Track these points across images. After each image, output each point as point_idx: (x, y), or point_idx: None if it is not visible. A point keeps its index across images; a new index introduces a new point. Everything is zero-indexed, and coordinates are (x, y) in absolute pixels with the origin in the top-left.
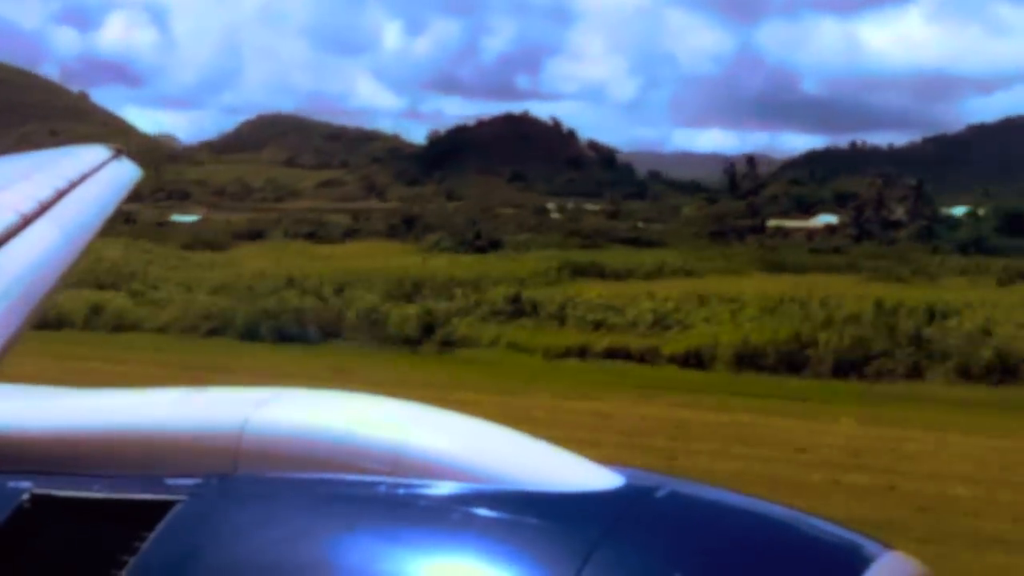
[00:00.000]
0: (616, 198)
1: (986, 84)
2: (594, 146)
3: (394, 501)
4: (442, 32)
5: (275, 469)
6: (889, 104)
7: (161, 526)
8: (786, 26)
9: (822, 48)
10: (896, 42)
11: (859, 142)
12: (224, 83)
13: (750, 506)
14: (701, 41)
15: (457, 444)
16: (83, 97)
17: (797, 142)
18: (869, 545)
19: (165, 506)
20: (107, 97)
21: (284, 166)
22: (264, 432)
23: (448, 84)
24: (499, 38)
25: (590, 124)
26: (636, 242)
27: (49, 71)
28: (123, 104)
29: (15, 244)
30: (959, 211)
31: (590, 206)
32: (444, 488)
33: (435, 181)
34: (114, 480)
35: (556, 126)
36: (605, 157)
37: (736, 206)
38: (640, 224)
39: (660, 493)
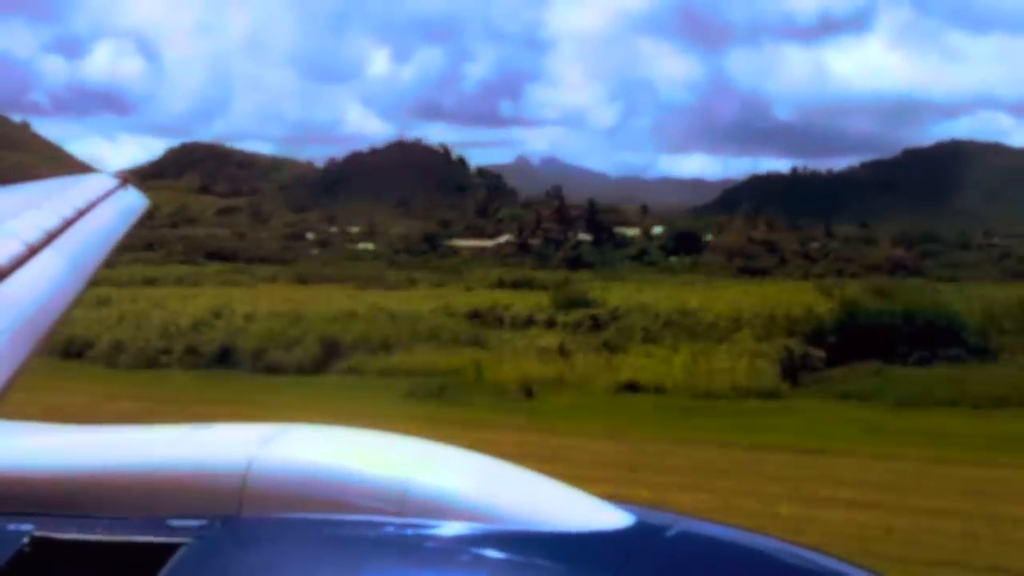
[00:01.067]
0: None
1: (951, 109)
2: (482, 172)
3: (402, 543)
4: (426, 60)
5: (281, 510)
6: (859, 128)
7: (165, 571)
8: (753, 53)
9: (791, 75)
10: (861, 68)
11: (800, 168)
12: (215, 111)
13: (754, 543)
14: (673, 68)
15: (465, 483)
16: (24, 127)
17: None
18: None
19: (169, 549)
20: (98, 126)
21: (199, 193)
22: (269, 472)
23: (433, 111)
24: (481, 65)
25: (576, 150)
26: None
27: (39, 99)
28: (115, 132)
29: (21, 274)
30: (631, 232)
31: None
32: (452, 529)
33: (320, 207)
34: (117, 522)
35: (446, 153)
36: (491, 183)
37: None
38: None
39: (669, 532)
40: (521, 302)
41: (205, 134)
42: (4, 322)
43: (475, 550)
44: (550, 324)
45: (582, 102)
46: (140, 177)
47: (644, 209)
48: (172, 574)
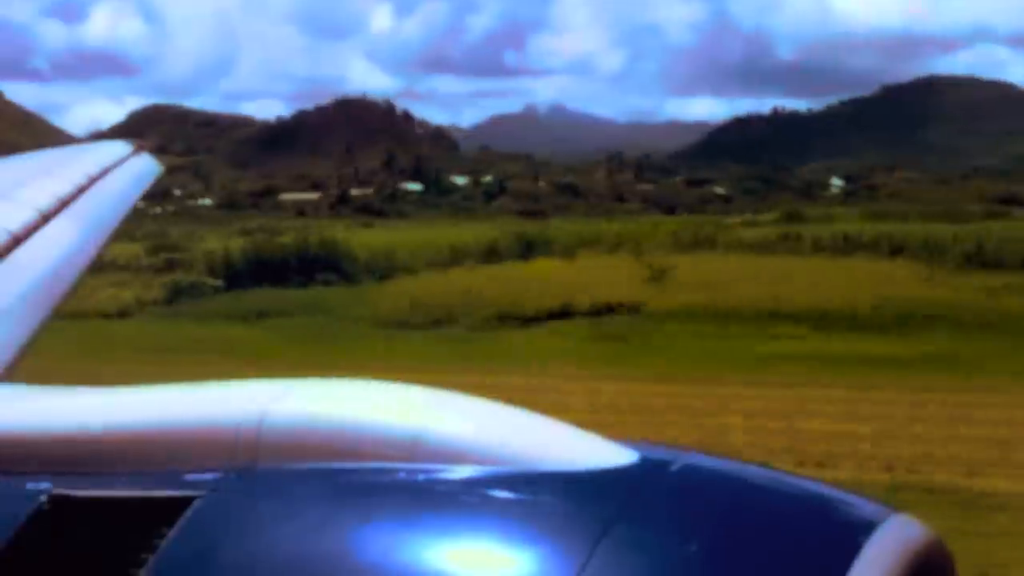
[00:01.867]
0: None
1: (948, 43)
2: (423, 125)
3: (413, 487)
4: (430, 13)
5: (294, 461)
6: (862, 65)
7: (181, 522)
8: None
9: (793, 13)
10: (862, 4)
11: (780, 108)
12: (220, 71)
13: (760, 476)
14: (677, 11)
15: (473, 428)
16: None
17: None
18: (877, 509)
19: (185, 502)
20: (104, 89)
21: (157, 153)
22: (282, 424)
23: (439, 63)
24: (485, 16)
25: (583, 97)
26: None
27: (39, 64)
28: (121, 95)
29: (35, 241)
30: (461, 180)
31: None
32: (461, 472)
33: (261, 165)
34: (133, 477)
35: (390, 108)
36: (434, 135)
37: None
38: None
39: (673, 467)
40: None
41: (212, 93)
42: (19, 289)
43: (484, 491)
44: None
45: (588, 49)
46: (106, 139)
47: (528, 158)
48: (189, 525)
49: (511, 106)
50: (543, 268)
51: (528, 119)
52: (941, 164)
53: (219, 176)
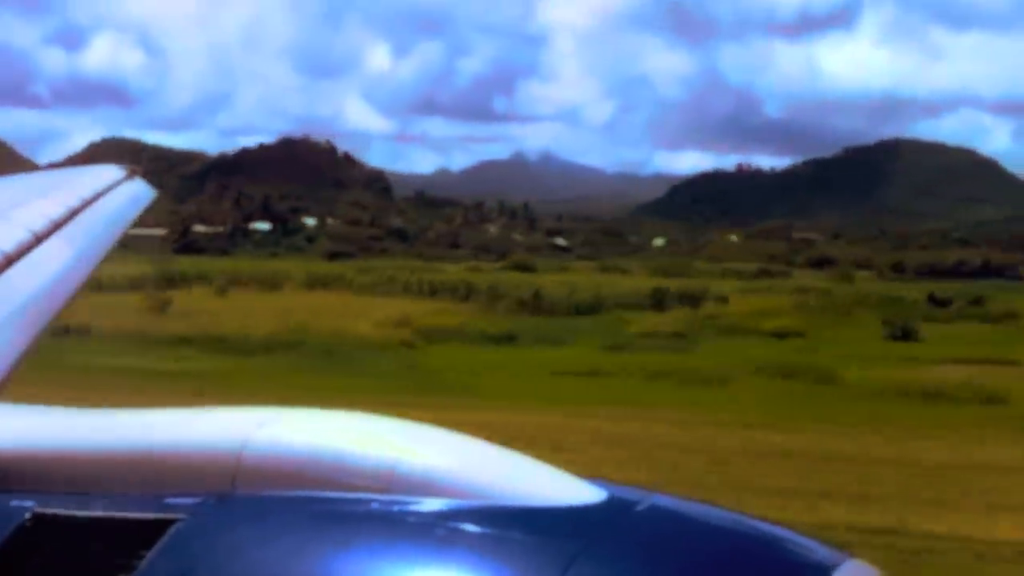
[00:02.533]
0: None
1: (933, 106)
2: (359, 167)
3: (387, 518)
4: (423, 56)
5: (273, 488)
6: (847, 126)
7: (161, 544)
8: (742, 50)
9: (780, 72)
10: (849, 66)
11: (744, 164)
12: (218, 106)
13: (723, 518)
14: (666, 64)
15: (447, 461)
16: None
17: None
18: (832, 555)
19: (165, 524)
20: (103, 119)
21: None
22: (262, 452)
23: (430, 106)
24: (477, 61)
25: (572, 146)
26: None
27: (39, 91)
28: (120, 127)
29: (26, 262)
30: (310, 221)
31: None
32: (434, 504)
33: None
34: (115, 499)
35: (331, 149)
36: (369, 177)
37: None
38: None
39: (639, 507)
40: None
41: (210, 128)
42: (8, 309)
43: (454, 524)
44: None
45: (577, 98)
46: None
47: (479, 207)
48: (168, 547)
49: (500, 152)
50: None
51: (516, 165)
52: (895, 225)
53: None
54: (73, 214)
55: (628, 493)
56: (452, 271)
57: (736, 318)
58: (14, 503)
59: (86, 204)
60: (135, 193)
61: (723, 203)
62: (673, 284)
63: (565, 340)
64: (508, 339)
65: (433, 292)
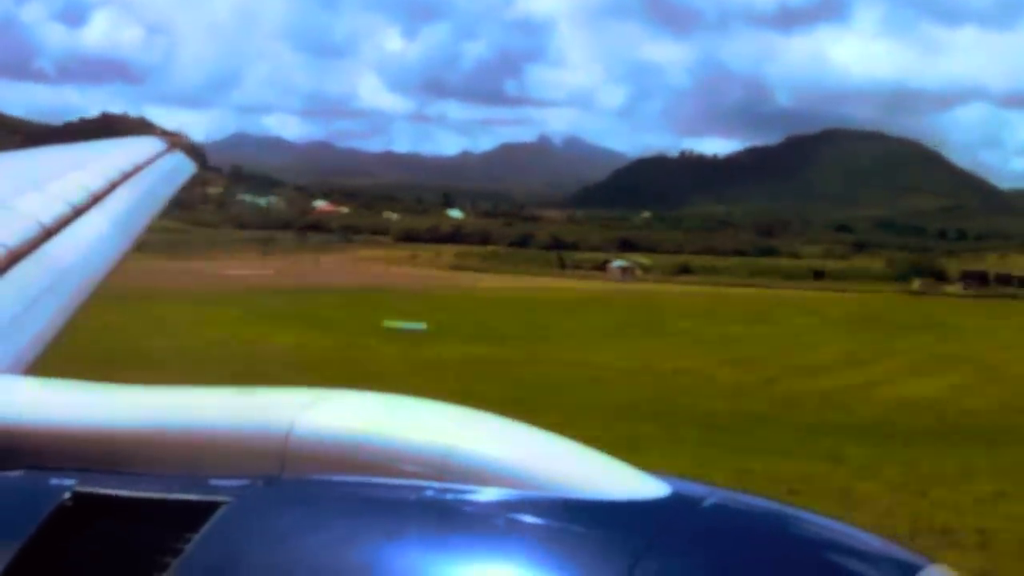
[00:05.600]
0: None
1: (944, 99)
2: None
3: (440, 506)
4: (435, 39)
5: (321, 472)
6: (859, 116)
7: (206, 528)
8: (739, 40)
9: (789, 62)
10: (857, 57)
11: (687, 151)
12: (229, 83)
13: (796, 517)
14: (665, 53)
15: (504, 450)
16: None
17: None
18: (913, 559)
19: (211, 507)
20: (117, 94)
21: None
22: (311, 434)
23: (443, 88)
24: (486, 45)
25: (596, 131)
26: None
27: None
28: (129, 101)
29: (65, 235)
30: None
31: None
32: (490, 494)
33: None
34: (159, 479)
35: (145, 125)
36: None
37: None
38: None
39: (705, 503)
40: None
41: (224, 105)
42: (47, 282)
43: (511, 515)
44: None
45: (587, 83)
46: None
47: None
48: (213, 531)
49: (521, 135)
50: None
51: (541, 149)
52: (827, 213)
53: None
54: (113, 187)
55: (693, 488)
56: None
57: None
58: (53, 481)
59: (126, 177)
60: (175, 167)
61: (660, 188)
62: None
63: None
64: None
65: None
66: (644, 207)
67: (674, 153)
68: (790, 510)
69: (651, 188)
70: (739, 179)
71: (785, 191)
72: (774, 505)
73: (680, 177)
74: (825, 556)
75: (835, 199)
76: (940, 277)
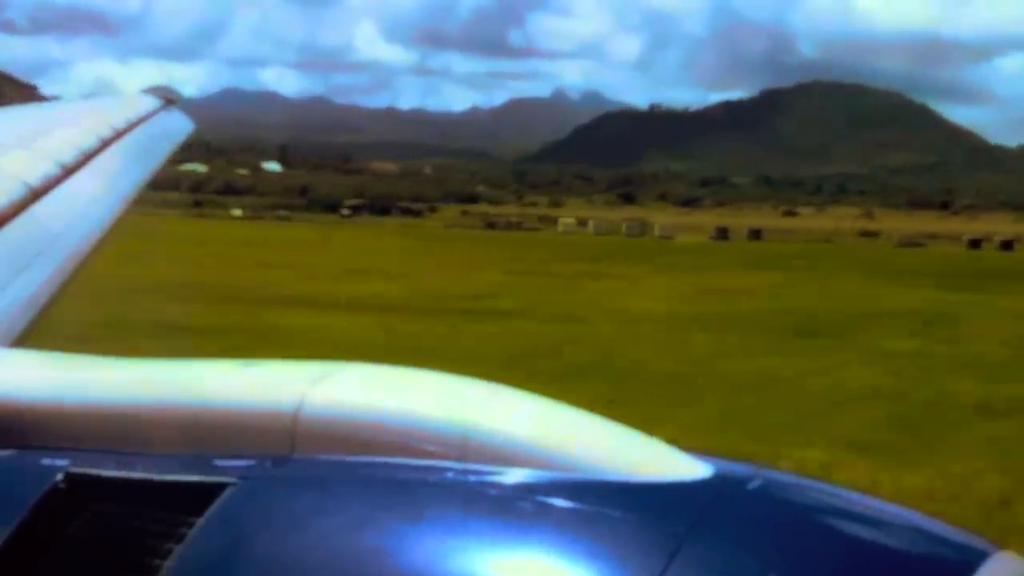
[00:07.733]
0: None
1: (980, 50)
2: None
3: (462, 488)
4: None
5: (334, 452)
6: (887, 67)
7: (211, 511)
8: None
9: (812, 12)
10: (885, 7)
11: (656, 105)
12: (214, 34)
13: (848, 499)
14: (695, 3)
15: (530, 428)
16: None
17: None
18: (978, 544)
19: (216, 489)
20: (94, 47)
21: None
22: (323, 412)
23: (442, 39)
24: None
25: (612, 85)
26: None
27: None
28: (106, 53)
29: (54, 196)
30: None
31: None
32: (516, 476)
33: None
34: (159, 459)
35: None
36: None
37: None
38: None
39: (751, 484)
40: None
41: (212, 58)
42: (34, 248)
43: (539, 498)
44: None
45: (595, 33)
46: None
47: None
48: (218, 515)
49: (539, 89)
50: None
51: (559, 104)
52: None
53: None
54: (105, 145)
55: (738, 468)
56: None
57: None
58: (45, 461)
59: (118, 135)
60: (171, 125)
61: (625, 143)
62: None
63: None
64: None
65: None
66: (599, 164)
67: (644, 107)
68: (843, 492)
69: (611, 144)
70: (707, 133)
71: (754, 146)
72: (825, 486)
73: (644, 132)
74: (882, 542)
75: (805, 154)
76: None
